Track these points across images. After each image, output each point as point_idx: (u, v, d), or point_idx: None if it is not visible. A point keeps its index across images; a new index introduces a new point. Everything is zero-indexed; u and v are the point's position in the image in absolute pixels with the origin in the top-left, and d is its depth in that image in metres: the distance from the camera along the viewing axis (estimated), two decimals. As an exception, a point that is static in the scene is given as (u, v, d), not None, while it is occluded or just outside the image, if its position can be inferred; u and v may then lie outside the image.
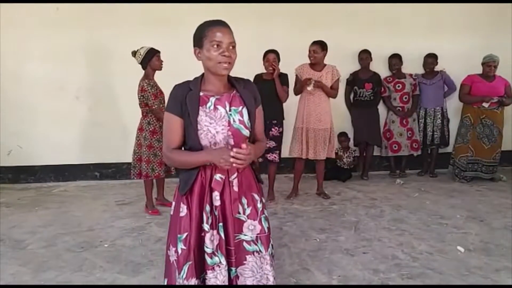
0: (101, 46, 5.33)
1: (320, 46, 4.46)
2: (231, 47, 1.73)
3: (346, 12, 5.60)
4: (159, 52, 4.12)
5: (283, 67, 4.51)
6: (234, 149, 1.67)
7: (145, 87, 4.04)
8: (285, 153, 4.75)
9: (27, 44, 5.26)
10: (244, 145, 1.68)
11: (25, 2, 5.14)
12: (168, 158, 1.83)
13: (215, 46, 1.71)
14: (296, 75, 4.65)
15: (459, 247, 3.34)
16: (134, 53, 4.12)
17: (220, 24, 1.76)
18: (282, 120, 4.63)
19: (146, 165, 4.15)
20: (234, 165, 1.68)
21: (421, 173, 5.90)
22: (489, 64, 5.19)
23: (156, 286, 2.79)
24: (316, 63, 4.53)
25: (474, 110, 5.32)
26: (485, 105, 5.22)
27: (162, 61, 4.13)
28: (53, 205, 4.63)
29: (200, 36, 1.76)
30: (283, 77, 4.51)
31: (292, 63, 4.63)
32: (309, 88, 4.42)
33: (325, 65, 4.57)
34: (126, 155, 5.51)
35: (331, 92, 4.57)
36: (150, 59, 4.06)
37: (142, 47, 4.09)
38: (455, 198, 4.77)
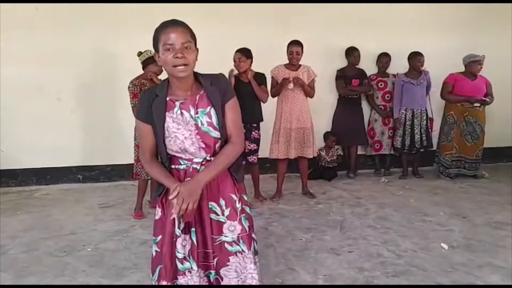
0: (82, 47, 5.22)
1: (301, 47, 4.45)
2: (186, 48, 1.63)
3: (328, 11, 5.61)
4: None
5: (261, 68, 4.47)
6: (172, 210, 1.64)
7: (129, 84, 4.01)
8: (266, 153, 4.71)
9: (6, 45, 5.12)
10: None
11: (4, 2, 5.02)
12: (144, 166, 1.85)
13: (169, 49, 1.63)
14: (272, 77, 4.61)
15: (442, 244, 3.37)
16: (140, 53, 4.09)
17: (172, 24, 1.66)
18: (260, 122, 4.53)
19: (135, 164, 4.14)
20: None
21: (403, 176, 5.64)
22: (480, 62, 5.23)
23: (142, 286, 2.77)
24: (296, 64, 4.51)
25: (458, 108, 5.38)
26: (477, 104, 5.28)
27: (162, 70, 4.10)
28: (35, 209, 4.54)
29: (155, 40, 1.69)
30: (260, 77, 4.42)
31: (271, 63, 4.61)
32: (290, 86, 4.40)
33: (300, 65, 4.55)
34: (109, 157, 5.46)
35: (310, 91, 4.56)
36: (150, 63, 3.98)
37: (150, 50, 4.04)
38: (438, 195, 4.83)
